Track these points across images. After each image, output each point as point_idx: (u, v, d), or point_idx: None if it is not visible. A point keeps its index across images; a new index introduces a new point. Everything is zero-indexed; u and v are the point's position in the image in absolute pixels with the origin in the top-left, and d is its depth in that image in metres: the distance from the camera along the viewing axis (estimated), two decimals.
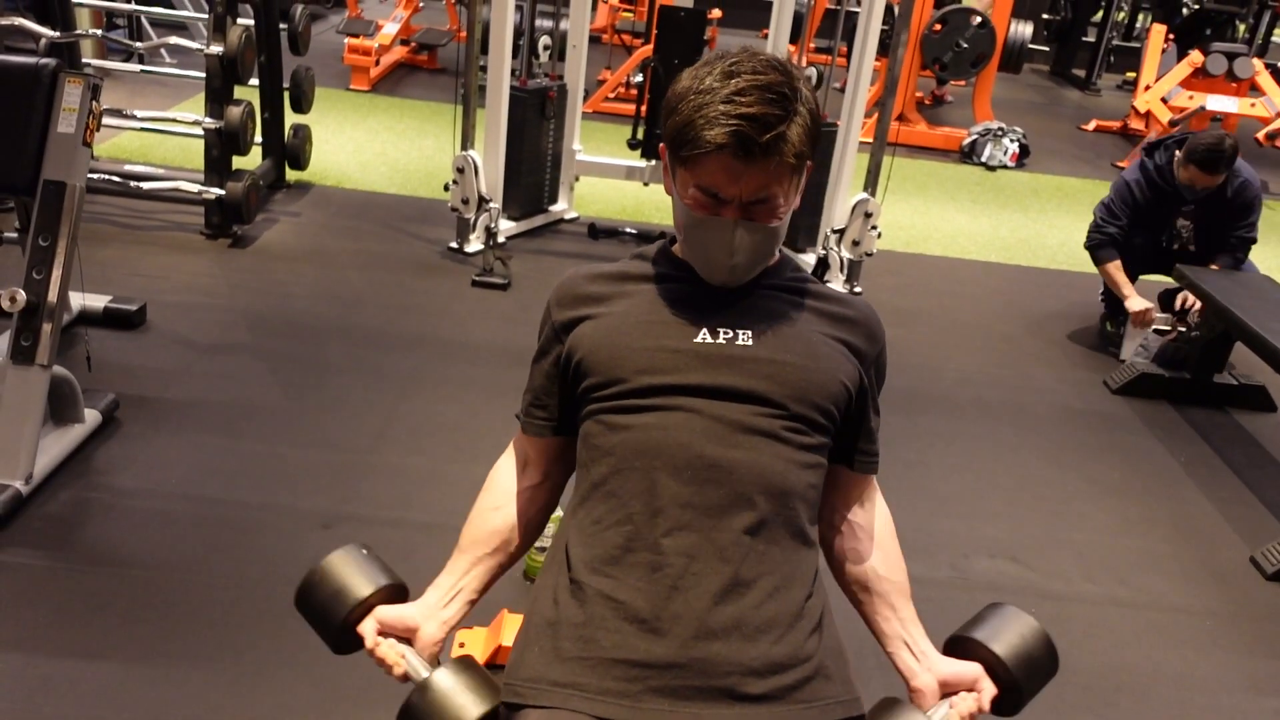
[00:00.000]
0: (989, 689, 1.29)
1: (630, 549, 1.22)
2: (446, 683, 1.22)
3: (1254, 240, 4.06)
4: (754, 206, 1.24)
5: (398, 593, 1.35)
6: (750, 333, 1.28)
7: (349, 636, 1.32)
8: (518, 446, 1.46)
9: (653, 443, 1.23)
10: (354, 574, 1.32)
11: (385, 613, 1.31)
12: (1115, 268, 4.06)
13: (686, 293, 1.32)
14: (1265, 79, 7.10)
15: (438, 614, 1.34)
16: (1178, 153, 3.90)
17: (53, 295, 2.52)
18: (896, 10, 4.30)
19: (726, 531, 1.21)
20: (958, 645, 1.35)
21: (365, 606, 1.31)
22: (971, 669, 1.31)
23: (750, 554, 1.21)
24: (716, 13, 7.32)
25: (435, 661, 1.31)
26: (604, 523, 1.25)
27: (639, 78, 6.80)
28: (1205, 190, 3.89)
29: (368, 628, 1.30)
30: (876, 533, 1.41)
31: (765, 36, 5.53)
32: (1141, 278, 4.24)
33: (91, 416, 2.79)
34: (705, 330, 1.28)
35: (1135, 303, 4.01)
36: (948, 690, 1.31)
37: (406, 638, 1.32)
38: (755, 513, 1.22)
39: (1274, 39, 11.22)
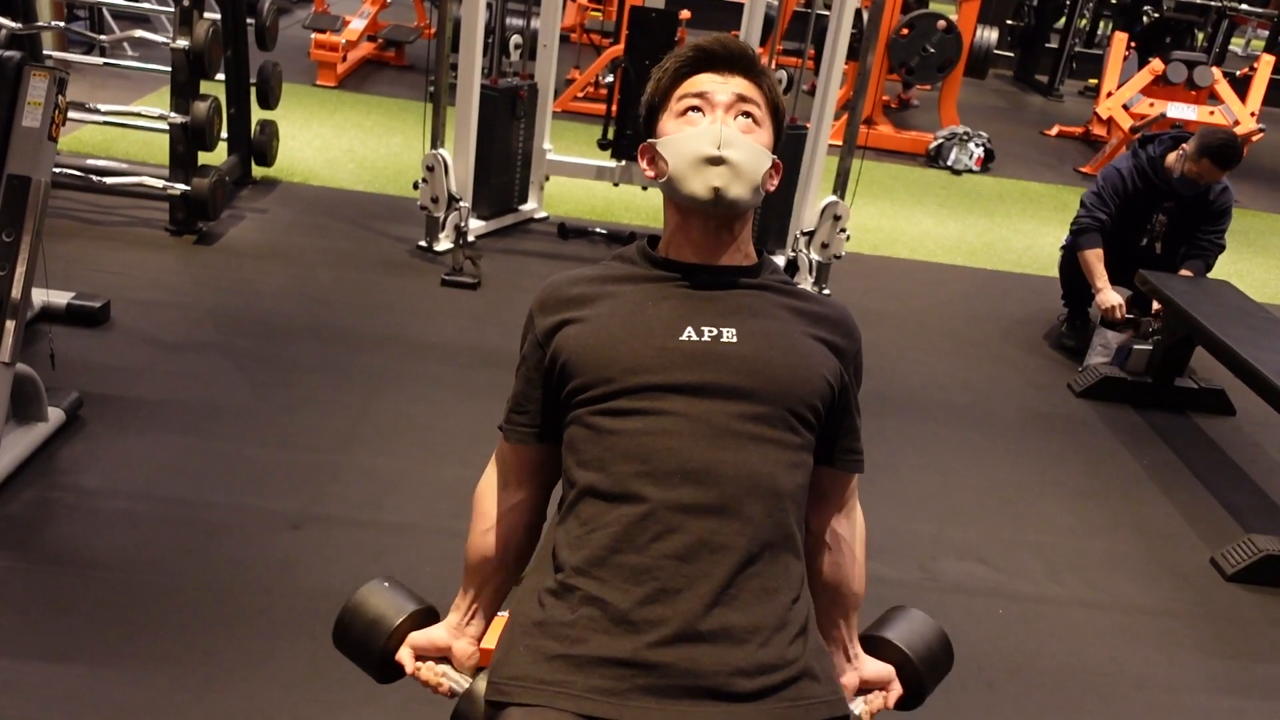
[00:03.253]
0: (896, 689, 1.44)
1: (618, 550, 1.22)
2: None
3: (1224, 247, 4.12)
4: (739, 115, 1.31)
5: (426, 615, 1.43)
6: (734, 330, 1.29)
7: (389, 666, 1.41)
8: (499, 459, 1.43)
9: (640, 446, 1.23)
10: (383, 605, 1.41)
11: (417, 638, 1.40)
12: (1095, 256, 4.03)
13: (669, 291, 1.33)
14: (1223, 87, 7.23)
15: (464, 631, 1.42)
16: (1184, 147, 3.93)
17: (16, 292, 2.48)
18: (865, 14, 4.33)
19: (715, 535, 1.21)
20: (869, 642, 1.47)
21: (398, 635, 1.40)
22: (886, 671, 1.44)
23: (738, 558, 1.21)
24: (686, 14, 7.33)
25: (473, 673, 1.40)
26: (591, 525, 1.24)
27: (609, 78, 6.80)
28: (1206, 186, 3.93)
29: (405, 655, 1.39)
30: (854, 548, 1.45)
31: (735, 37, 5.55)
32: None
33: (55, 415, 2.74)
34: (690, 329, 1.28)
35: (1106, 296, 3.97)
36: (865, 687, 1.44)
37: (444, 657, 1.41)
38: (744, 516, 1.22)
39: (1232, 47, 11.43)
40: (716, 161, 1.27)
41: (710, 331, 1.28)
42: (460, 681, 1.37)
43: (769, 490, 1.24)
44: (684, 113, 1.31)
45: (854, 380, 1.39)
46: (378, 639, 1.39)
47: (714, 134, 1.28)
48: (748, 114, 1.30)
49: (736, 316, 1.30)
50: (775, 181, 1.35)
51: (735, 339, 1.28)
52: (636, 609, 1.20)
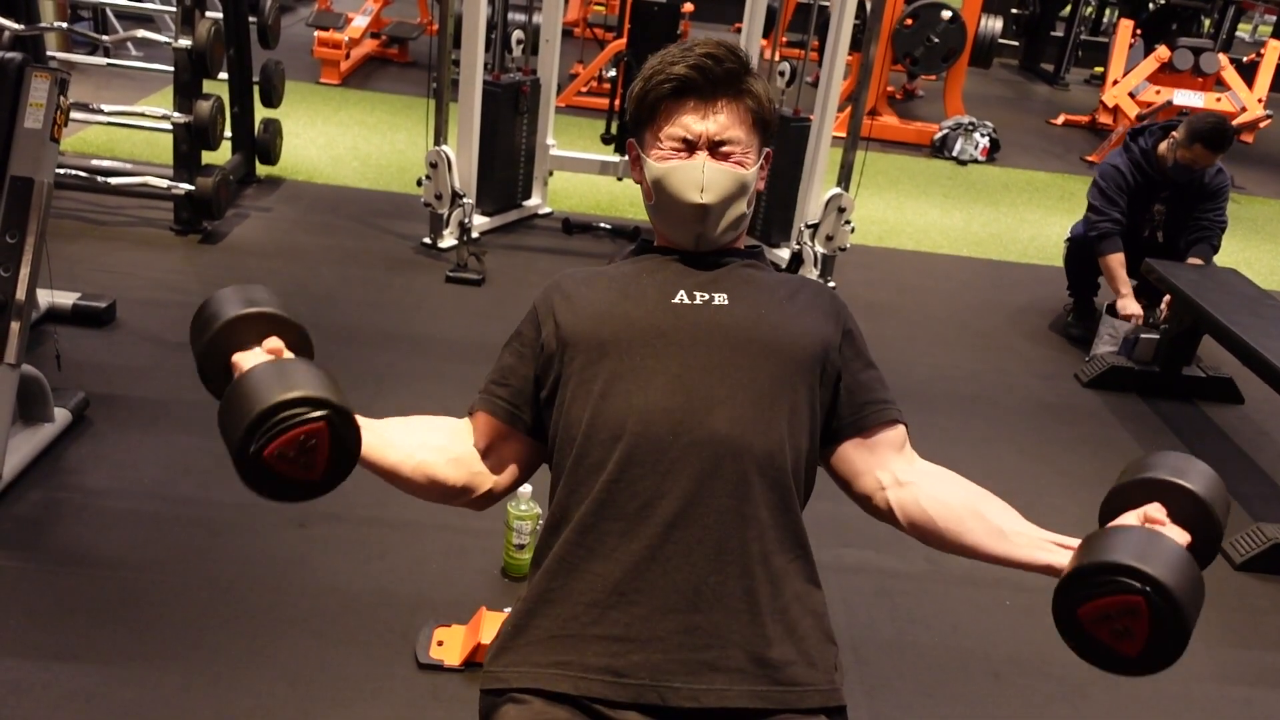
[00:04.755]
0: (1157, 507, 1.16)
1: (606, 516, 1.21)
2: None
3: (1225, 223, 4.10)
4: (720, 155, 1.30)
5: (301, 341, 1.26)
6: (726, 295, 1.31)
7: (227, 348, 1.19)
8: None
9: (632, 408, 1.23)
10: (273, 300, 1.23)
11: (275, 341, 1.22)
12: (1117, 261, 4.02)
13: (663, 264, 1.36)
14: (1230, 73, 7.19)
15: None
16: (1174, 135, 3.92)
17: (21, 293, 2.48)
18: (869, 5, 4.32)
19: (709, 497, 1.20)
20: (1125, 494, 1.19)
21: (268, 323, 1.21)
22: (1131, 512, 1.18)
23: (733, 521, 1.20)
24: (689, 6, 7.32)
25: None
26: (579, 492, 1.24)
27: (612, 72, 6.79)
28: (1200, 171, 3.93)
29: (272, 344, 1.21)
30: (943, 471, 1.35)
31: (738, 30, 5.54)
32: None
33: (61, 415, 2.75)
34: (683, 292, 1.31)
35: (1128, 305, 3.98)
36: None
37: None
38: (739, 478, 1.21)
39: (1238, 34, 11.36)
40: (698, 210, 1.30)
41: (702, 295, 1.31)
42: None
43: (763, 451, 1.23)
44: (667, 150, 1.31)
45: (854, 337, 1.37)
46: (239, 308, 1.20)
47: (696, 179, 1.29)
48: (730, 152, 1.31)
49: (728, 284, 1.33)
50: (764, 178, 1.38)
51: (727, 302, 1.31)
52: (627, 579, 1.19)
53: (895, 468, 1.33)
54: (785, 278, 1.41)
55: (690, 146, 1.30)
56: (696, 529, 1.19)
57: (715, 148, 1.30)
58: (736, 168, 1.30)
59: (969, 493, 1.31)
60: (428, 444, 1.33)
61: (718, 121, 1.29)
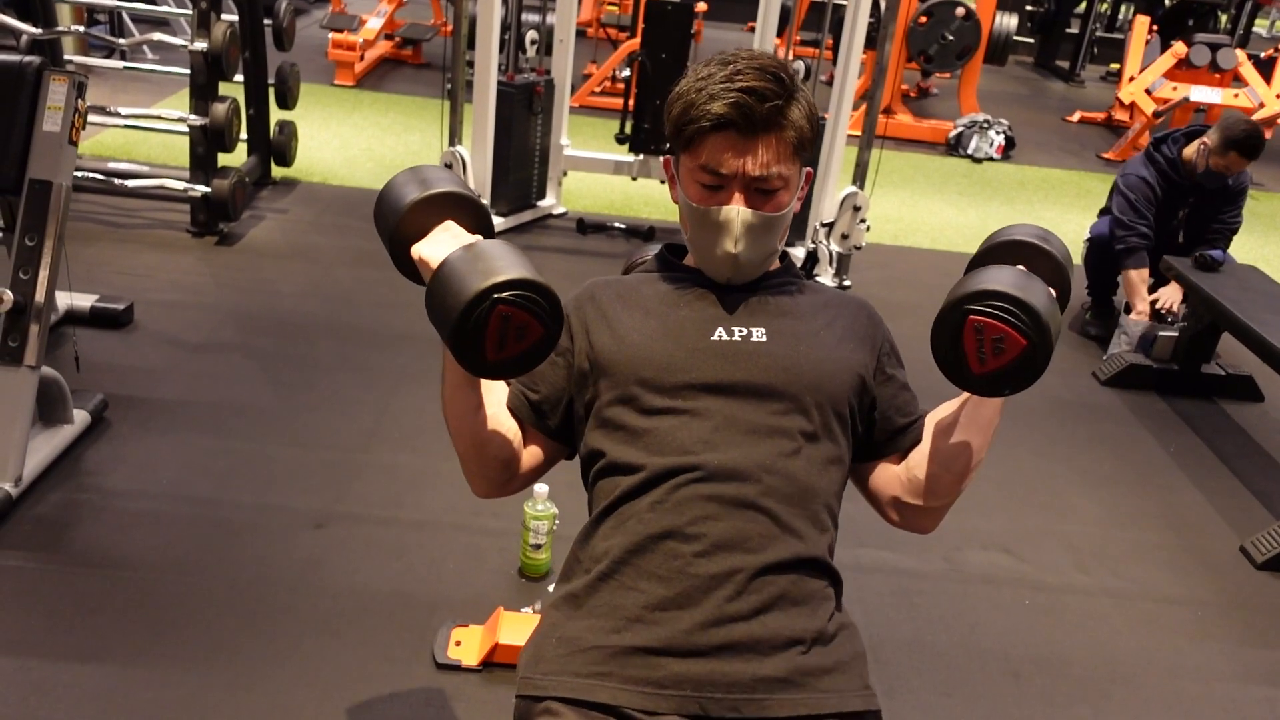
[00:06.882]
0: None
1: (654, 537, 1.23)
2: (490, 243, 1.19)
3: (1239, 225, 4.07)
4: (756, 192, 1.27)
5: (478, 216, 1.29)
6: (764, 330, 1.31)
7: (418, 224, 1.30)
8: None
9: (673, 443, 1.25)
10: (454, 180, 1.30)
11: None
12: (1140, 277, 3.98)
13: (700, 294, 1.35)
14: (1248, 69, 7.13)
15: None
16: (1205, 141, 3.88)
17: (40, 295, 2.50)
18: (883, 3, 4.31)
19: (748, 528, 1.22)
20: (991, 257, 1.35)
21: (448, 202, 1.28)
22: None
23: (770, 553, 1.22)
24: (702, 6, 7.31)
25: None
26: (623, 517, 1.26)
27: (626, 72, 6.79)
28: (1231, 176, 3.91)
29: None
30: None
31: (752, 30, 5.54)
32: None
33: (80, 417, 2.76)
34: (721, 329, 1.31)
35: (1144, 319, 3.97)
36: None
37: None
38: (776, 512, 1.24)
39: (1255, 29, 11.28)
40: (730, 257, 1.30)
41: (740, 331, 1.31)
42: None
43: (802, 486, 1.26)
44: (702, 186, 1.29)
45: (891, 358, 1.41)
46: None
47: (730, 227, 1.27)
48: (768, 189, 1.28)
49: (765, 316, 1.33)
50: (802, 198, 1.36)
51: (765, 338, 1.30)
52: (670, 595, 1.20)
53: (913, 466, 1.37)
54: (821, 299, 1.40)
55: (726, 181, 1.27)
56: (740, 553, 1.22)
57: (753, 183, 1.26)
58: (772, 211, 1.28)
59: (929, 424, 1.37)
60: (505, 411, 1.38)
61: (756, 160, 1.25)
